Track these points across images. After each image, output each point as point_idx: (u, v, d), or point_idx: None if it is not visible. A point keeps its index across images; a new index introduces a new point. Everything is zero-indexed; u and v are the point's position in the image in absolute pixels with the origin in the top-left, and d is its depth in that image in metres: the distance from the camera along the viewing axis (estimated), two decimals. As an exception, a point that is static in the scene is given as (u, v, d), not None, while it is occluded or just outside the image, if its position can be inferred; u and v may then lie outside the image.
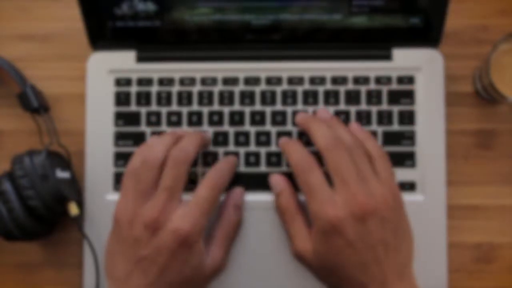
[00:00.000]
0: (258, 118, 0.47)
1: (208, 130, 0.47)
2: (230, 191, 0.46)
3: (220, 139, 0.47)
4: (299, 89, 0.47)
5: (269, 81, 0.48)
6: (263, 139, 0.47)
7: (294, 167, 0.42)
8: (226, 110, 0.48)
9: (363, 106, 0.47)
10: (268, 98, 0.48)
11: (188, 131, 0.46)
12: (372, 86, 0.47)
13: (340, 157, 0.40)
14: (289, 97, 0.47)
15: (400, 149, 0.47)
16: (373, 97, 0.47)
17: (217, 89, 0.48)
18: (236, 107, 0.48)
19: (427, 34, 0.47)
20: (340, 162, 0.40)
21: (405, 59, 0.47)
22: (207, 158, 0.47)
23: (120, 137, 0.48)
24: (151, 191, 0.41)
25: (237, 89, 0.48)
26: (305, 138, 0.47)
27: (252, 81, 0.48)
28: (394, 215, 0.40)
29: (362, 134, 0.44)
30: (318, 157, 0.42)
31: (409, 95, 0.47)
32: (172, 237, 0.39)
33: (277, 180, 0.46)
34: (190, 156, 0.42)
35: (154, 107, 0.48)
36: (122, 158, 0.47)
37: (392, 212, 0.40)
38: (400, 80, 0.47)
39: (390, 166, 0.42)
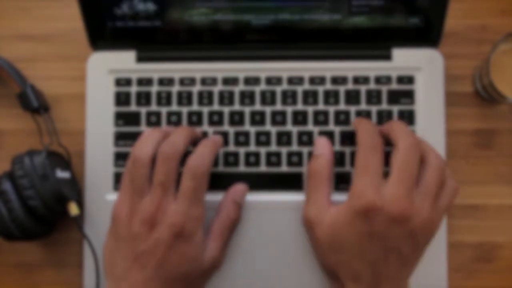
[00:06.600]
0: (258, 118, 0.47)
1: (208, 130, 0.47)
2: (231, 186, 0.46)
3: (220, 139, 0.47)
4: (299, 89, 0.47)
5: (269, 81, 0.48)
6: (263, 139, 0.47)
7: (359, 141, 0.42)
8: (226, 110, 0.48)
9: (363, 106, 0.47)
10: (268, 98, 0.48)
11: (177, 127, 0.46)
12: (372, 86, 0.47)
13: (413, 161, 0.40)
14: (289, 97, 0.47)
15: (400, 149, 0.47)
16: (373, 97, 0.47)
17: (217, 89, 0.48)
18: (236, 107, 0.48)
19: (427, 34, 0.47)
20: (409, 164, 0.40)
21: (405, 59, 0.47)
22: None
23: (120, 137, 0.48)
24: (146, 187, 0.41)
25: (237, 89, 0.48)
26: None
27: (252, 81, 0.48)
28: (423, 237, 0.40)
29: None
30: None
31: (409, 95, 0.47)
32: (168, 231, 0.40)
33: (322, 143, 0.45)
34: (179, 151, 0.42)
35: (154, 107, 0.48)
36: (122, 158, 0.47)
37: (424, 235, 0.40)
38: (400, 80, 0.47)
39: (452, 199, 0.42)
